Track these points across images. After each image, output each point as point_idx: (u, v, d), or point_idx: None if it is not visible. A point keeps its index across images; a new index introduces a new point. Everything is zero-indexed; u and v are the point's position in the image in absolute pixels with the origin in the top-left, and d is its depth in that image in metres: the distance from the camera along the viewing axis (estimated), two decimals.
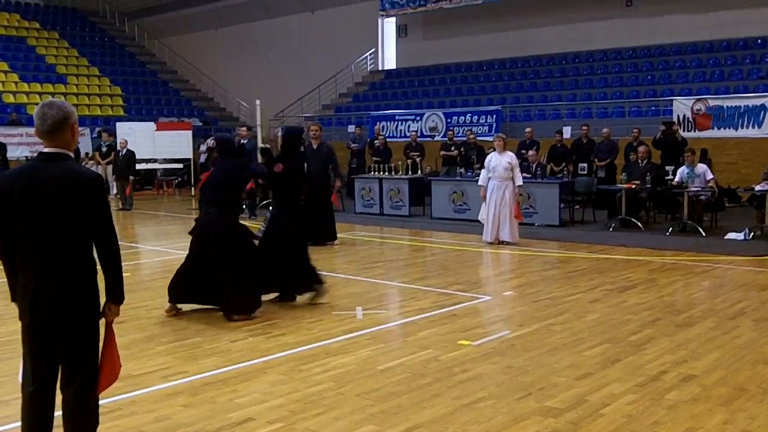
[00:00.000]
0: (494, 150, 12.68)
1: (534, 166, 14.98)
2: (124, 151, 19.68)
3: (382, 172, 17.20)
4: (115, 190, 21.49)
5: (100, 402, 4.03)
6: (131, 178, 19.44)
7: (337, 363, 5.99)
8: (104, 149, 22.43)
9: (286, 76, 29.08)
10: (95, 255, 3.81)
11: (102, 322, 3.91)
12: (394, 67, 28.73)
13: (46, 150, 3.78)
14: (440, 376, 5.65)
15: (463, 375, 5.67)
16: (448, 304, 8.10)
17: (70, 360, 3.80)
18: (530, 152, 15.63)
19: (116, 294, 3.87)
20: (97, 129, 25.63)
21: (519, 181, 12.39)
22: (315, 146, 12.96)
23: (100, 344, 3.92)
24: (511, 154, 12.73)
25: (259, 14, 30.67)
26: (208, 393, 5.33)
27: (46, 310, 3.70)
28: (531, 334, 6.79)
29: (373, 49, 28.93)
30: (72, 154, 3.87)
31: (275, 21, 30.35)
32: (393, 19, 28.22)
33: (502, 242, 12.26)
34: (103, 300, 3.88)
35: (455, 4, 25.30)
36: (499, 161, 12.32)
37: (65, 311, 3.71)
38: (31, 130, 24.11)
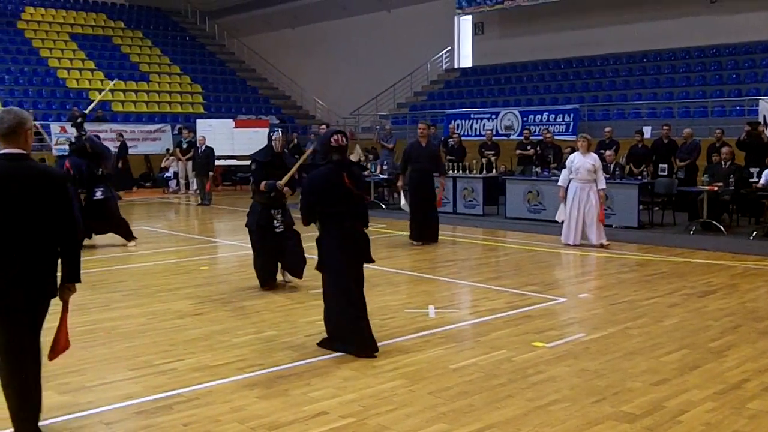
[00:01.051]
0: (576, 150, 12.47)
1: (612, 166, 14.70)
2: (204, 147, 20.12)
3: (456, 171, 17.14)
4: (194, 186, 22.01)
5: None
6: (210, 174, 19.85)
7: (409, 361, 6.00)
8: (184, 146, 23.01)
9: (361, 75, 29.23)
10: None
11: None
12: (470, 65, 28.59)
13: (5, 151, 4.21)
14: (513, 377, 5.61)
15: (537, 377, 5.62)
16: (522, 304, 8.03)
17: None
18: (608, 153, 15.34)
19: (75, 276, 4.38)
20: (178, 126, 26.29)
21: (602, 184, 12.13)
22: (423, 144, 12.82)
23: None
24: (595, 155, 12.45)
25: (335, 13, 30.90)
26: (282, 386, 5.42)
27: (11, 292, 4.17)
28: (606, 338, 6.68)
29: (449, 47, 28.86)
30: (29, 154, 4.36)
31: (351, 20, 30.53)
32: (469, 17, 28.08)
33: (591, 245, 11.97)
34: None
35: (533, 2, 24.98)
36: (583, 162, 12.08)
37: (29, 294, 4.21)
38: (116, 127, 25.10)
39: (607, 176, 14.17)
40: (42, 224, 4.20)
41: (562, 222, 12.39)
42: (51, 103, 26.71)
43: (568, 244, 12.12)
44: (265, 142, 8.93)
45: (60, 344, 4.54)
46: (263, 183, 8.56)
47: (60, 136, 23.59)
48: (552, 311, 7.81)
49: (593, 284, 9.25)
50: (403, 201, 13.40)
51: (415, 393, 5.26)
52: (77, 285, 4.44)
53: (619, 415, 4.85)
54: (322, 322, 6.51)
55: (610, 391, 5.29)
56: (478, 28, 28.08)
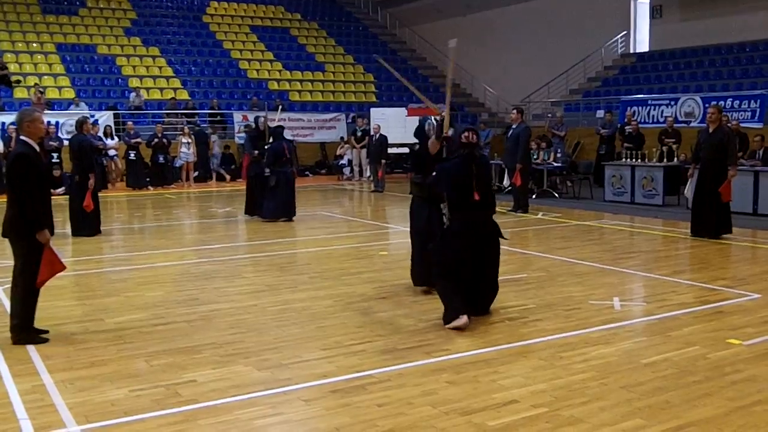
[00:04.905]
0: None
1: None
2: (377, 135, 20.54)
3: (634, 159, 16.59)
4: (368, 173, 22.53)
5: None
6: (383, 161, 20.24)
7: (597, 353, 5.90)
8: (359, 134, 23.57)
9: (532, 61, 28.77)
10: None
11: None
12: (646, 49, 27.50)
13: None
14: (710, 375, 5.39)
15: (736, 375, 5.37)
16: (713, 300, 7.68)
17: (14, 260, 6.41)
18: None
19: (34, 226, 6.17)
20: (352, 115, 26.98)
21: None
22: (711, 130, 11.71)
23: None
24: None
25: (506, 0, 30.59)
26: (471, 372, 5.47)
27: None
28: None
29: (624, 32, 27.88)
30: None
31: (523, 6, 30.10)
32: (647, 1, 27.00)
33: None
34: None
35: None
36: None
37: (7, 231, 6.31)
38: (294, 115, 26.08)
39: None
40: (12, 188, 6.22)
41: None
42: (233, 93, 28.11)
43: None
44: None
45: (41, 274, 6.17)
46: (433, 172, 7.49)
47: (242, 124, 24.82)
48: (746, 308, 7.42)
49: None
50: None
51: (607, 386, 5.17)
52: None
53: None
54: (508, 309, 6.51)
55: None
56: (656, 11, 26.93)
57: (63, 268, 6.44)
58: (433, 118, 8.16)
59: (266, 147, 14.16)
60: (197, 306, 7.57)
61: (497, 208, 7.31)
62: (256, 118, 15.30)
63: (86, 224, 12.39)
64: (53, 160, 19.50)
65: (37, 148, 6.39)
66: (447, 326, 6.61)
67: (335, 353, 5.96)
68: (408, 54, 34.97)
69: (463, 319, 6.57)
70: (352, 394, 5.07)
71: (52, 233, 6.30)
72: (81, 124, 12.69)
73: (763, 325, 6.76)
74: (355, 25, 36.13)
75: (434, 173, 7.27)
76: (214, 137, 24.01)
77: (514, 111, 15.62)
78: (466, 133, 6.88)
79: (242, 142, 23.15)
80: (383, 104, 27.85)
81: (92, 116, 21.95)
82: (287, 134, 16.92)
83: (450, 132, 7.71)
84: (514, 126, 15.31)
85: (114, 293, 8.27)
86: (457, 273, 6.78)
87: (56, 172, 19.30)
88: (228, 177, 23.76)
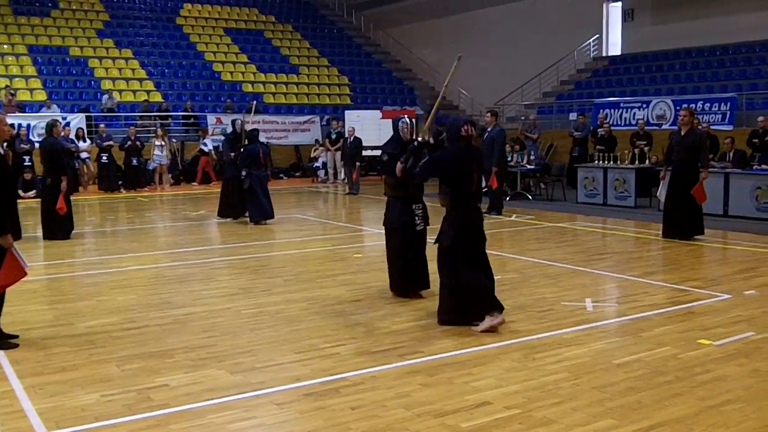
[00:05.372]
0: None
1: None
2: (352, 138, 20.53)
3: (606, 161, 16.73)
4: (342, 176, 22.53)
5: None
6: (358, 164, 20.24)
7: (570, 354, 5.94)
8: (333, 136, 23.57)
9: (506, 64, 28.93)
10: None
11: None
12: (618, 53, 27.75)
13: None
14: (681, 375, 5.44)
15: (706, 375, 5.43)
16: (684, 300, 7.76)
17: None
18: None
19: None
20: (326, 117, 26.97)
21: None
22: (683, 133, 11.71)
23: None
24: None
25: (482, 2, 30.71)
26: (445, 374, 5.48)
27: None
28: None
29: (596, 35, 28.11)
30: None
31: (497, 8, 30.25)
32: (619, 4, 27.26)
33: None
34: None
35: None
36: None
37: None
38: (269, 118, 26.00)
39: None
40: None
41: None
42: (207, 95, 27.98)
43: None
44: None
45: (1, 279, 6.04)
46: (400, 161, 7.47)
47: (216, 127, 24.72)
48: (716, 308, 7.50)
49: (760, 281, 8.78)
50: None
51: (579, 387, 5.20)
52: None
53: None
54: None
55: None
56: (628, 15, 27.19)
57: (23, 275, 6.25)
58: (406, 116, 8.16)
59: (241, 150, 14.14)
60: (170, 309, 7.52)
61: None
62: (233, 121, 15.26)
63: (58, 227, 12.28)
64: (25, 164, 19.29)
65: (2, 150, 6.31)
66: (479, 329, 6.53)
67: (309, 356, 5.95)
68: (383, 56, 35.03)
69: (500, 317, 6.58)
70: (326, 397, 5.06)
71: (18, 238, 6.22)
72: (51, 126, 12.60)
73: (733, 326, 6.84)
74: (330, 27, 36.11)
75: (424, 161, 7.16)
76: (207, 140, 23.79)
77: (488, 114, 15.66)
78: (465, 126, 6.88)
79: (215, 145, 23.11)
80: (358, 107, 27.87)
81: (64, 119, 21.79)
82: (262, 137, 16.86)
83: (428, 137, 7.63)
84: (489, 129, 15.33)
85: (86, 297, 8.19)
86: (480, 265, 6.78)
87: (27, 176, 19.09)
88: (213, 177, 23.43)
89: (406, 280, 7.87)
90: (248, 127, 14.68)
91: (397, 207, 7.80)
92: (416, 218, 7.76)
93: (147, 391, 5.18)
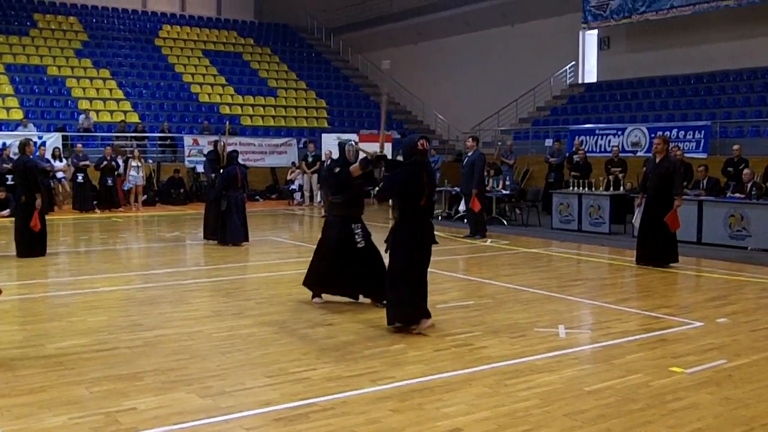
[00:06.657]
0: None
1: (749, 185, 14.11)
2: (329, 161, 20.50)
3: (581, 188, 16.86)
4: (319, 198, 22.50)
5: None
6: None
7: (542, 380, 5.93)
8: (310, 159, 23.57)
9: (483, 90, 29.17)
10: None
11: None
12: (594, 80, 28.09)
13: None
14: (652, 402, 5.46)
15: (677, 403, 5.44)
16: (656, 327, 7.80)
17: None
18: (746, 170, 14.72)
19: None
20: (303, 140, 26.98)
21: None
22: (657, 160, 11.87)
23: None
24: None
25: (458, 28, 30.96)
26: (416, 399, 5.46)
27: None
28: (750, 366, 6.40)
29: (573, 62, 28.44)
30: None
31: (475, 35, 30.51)
32: (595, 32, 27.61)
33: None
34: None
35: (662, 16, 24.35)
36: None
37: None
38: (246, 140, 25.95)
39: (743, 196, 13.67)
40: None
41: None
42: (184, 117, 27.92)
43: None
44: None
45: None
46: (359, 161, 8.15)
47: (192, 148, 24.64)
48: (688, 336, 7.55)
49: (731, 309, 8.87)
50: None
51: (550, 414, 5.20)
52: None
53: None
54: (454, 336, 6.52)
55: (758, 421, 5.07)
56: (604, 43, 27.55)
57: None
58: (353, 141, 9.09)
59: (221, 171, 14.13)
60: (141, 332, 7.44)
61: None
62: (215, 142, 15.32)
63: (32, 246, 12.18)
64: (7, 183, 19.03)
65: None
66: (415, 330, 7.24)
67: (279, 380, 5.90)
68: (360, 81, 35.16)
69: (429, 322, 7.28)
70: (296, 422, 5.02)
71: None
72: (24, 145, 12.63)
73: (705, 353, 6.87)
74: (308, 51, 36.24)
75: (383, 183, 7.77)
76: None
77: (470, 139, 15.80)
78: (421, 141, 7.35)
79: (192, 165, 23.04)
80: (335, 130, 27.90)
81: (40, 138, 21.62)
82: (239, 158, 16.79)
83: (385, 151, 8.03)
84: (469, 153, 15.49)
85: (56, 318, 8.09)
86: (419, 276, 7.30)
87: (1, 194, 18.88)
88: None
89: (320, 279, 8.75)
90: (228, 148, 14.65)
91: (336, 226, 8.54)
92: (356, 236, 8.46)
93: (115, 414, 5.11)
